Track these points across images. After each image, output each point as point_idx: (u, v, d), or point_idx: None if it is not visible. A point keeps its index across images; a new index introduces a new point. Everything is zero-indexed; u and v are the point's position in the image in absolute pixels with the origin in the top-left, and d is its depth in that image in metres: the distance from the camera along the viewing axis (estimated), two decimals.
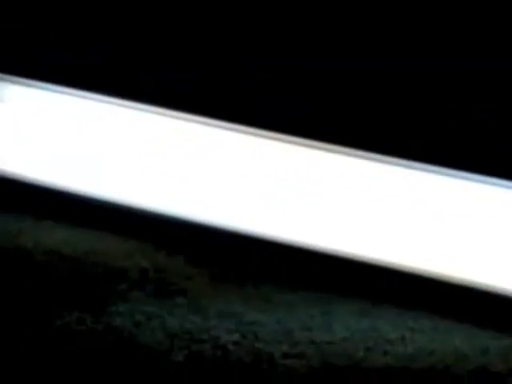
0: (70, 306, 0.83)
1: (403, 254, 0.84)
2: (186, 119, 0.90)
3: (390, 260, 0.84)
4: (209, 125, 0.89)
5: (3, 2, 0.97)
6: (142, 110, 0.89)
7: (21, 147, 0.91)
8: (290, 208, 0.86)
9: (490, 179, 0.84)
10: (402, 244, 0.84)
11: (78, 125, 0.89)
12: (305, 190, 0.86)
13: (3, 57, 0.95)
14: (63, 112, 0.90)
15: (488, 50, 0.89)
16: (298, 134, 0.91)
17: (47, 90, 0.91)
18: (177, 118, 0.90)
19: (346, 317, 0.83)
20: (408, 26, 0.91)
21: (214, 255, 0.88)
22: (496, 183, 0.83)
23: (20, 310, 0.83)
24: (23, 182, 0.90)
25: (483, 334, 0.80)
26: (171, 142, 0.89)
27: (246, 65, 0.94)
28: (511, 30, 0.89)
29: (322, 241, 0.85)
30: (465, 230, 0.83)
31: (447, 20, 0.91)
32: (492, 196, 0.84)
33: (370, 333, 0.81)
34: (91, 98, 0.90)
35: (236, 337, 0.80)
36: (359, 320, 0.83)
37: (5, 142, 0.90)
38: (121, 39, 0.97)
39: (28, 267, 0.88)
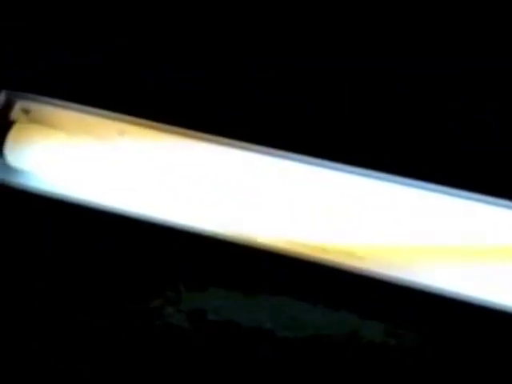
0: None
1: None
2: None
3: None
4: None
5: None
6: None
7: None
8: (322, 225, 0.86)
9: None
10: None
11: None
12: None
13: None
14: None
15: (488, 50, 0.90)
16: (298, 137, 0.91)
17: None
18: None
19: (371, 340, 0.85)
20: (408, 26, 0.92)
21: (245, 274, 0.89)
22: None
23: None
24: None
25: None
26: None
27: (246, 65, 0.95)
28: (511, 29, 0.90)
29: (350, 261, 0.85)
30: None
31: (447, 20, 0.92)
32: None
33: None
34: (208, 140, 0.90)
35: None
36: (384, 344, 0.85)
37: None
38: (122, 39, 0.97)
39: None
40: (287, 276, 0.87)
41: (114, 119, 0.91)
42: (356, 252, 0.84)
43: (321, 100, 0.92)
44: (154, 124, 0.90)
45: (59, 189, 0.92)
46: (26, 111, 0.93)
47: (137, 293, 0.90)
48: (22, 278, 0.92)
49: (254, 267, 0.88)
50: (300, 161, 0.87)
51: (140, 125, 0.91)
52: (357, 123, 0.91)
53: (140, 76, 0.96)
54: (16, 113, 0.93)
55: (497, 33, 0.90)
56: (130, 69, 0.96)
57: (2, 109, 0.93)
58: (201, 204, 0.88)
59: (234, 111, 0.93)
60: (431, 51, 0.91)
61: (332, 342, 0.85)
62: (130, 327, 0.89)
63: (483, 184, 0.85)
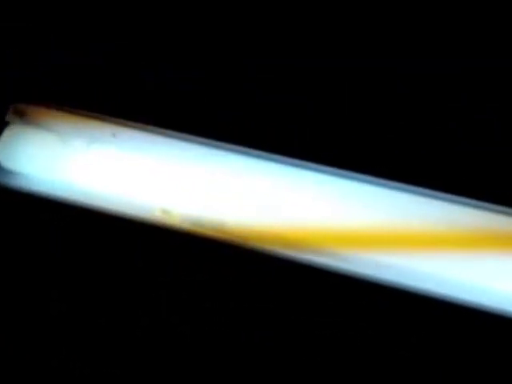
0: None
1: None
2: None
3: None
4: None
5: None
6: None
7: None
8: None
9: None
10: None
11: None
12: None
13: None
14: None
15: (488, 50, 0.90)
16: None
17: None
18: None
19: None
20: (408, 26, 0.92)
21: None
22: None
23: None
24: None
25: None
26: None
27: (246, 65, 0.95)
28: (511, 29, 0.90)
29: None
30: None
31: (447, 20, 0.91)
32: None
33: None
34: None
35: None
36: None
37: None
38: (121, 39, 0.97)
39: None
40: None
41: (108, 121, 0.92)
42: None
43: (321, 100, 0.92)
44: (146, 126, 0.91)
45: (52, 190, 0.92)
46: (20, 113, 0.93)
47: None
48: (10, 278, 0.94)
49: None
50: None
51: (132, 127, 0.91)
52: (356, 122, 0.91)
53: (140, 76, 0.96)
54: (10, 114, 0.93)
55: (497, 33, 0.90)
56: (130, 69, 0.96)
57: None
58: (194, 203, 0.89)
59: (233, 111, 0.93)
60: (431, 51, 0.91)
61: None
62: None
63: (482, 184, 0.85)
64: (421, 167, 0.88)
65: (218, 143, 0.90)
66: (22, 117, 0.93)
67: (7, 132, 0.92)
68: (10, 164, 0.92)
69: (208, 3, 0.96)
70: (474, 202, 0.84)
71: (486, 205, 0.83)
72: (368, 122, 0.91)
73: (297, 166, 0.88)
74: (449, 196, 0.84)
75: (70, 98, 0.94)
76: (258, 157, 0.88)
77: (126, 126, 0.91)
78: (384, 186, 0.86)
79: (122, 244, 0.92)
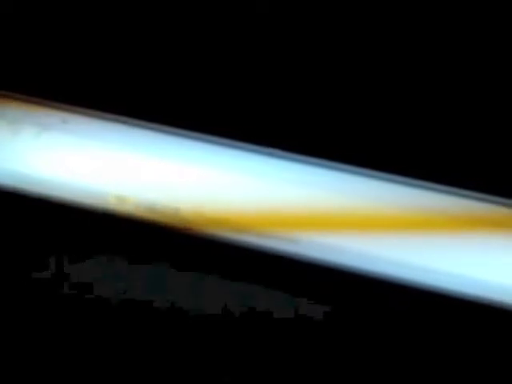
0: None
1: None
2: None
3: None
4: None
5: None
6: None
7: None
8: None
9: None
10: None
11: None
12: None
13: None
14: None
15: (488, 50, 0.90)
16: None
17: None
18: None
19: None
20: (408, 26, 0.92)
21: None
22: None
23: None
24: None
25: None
26: None
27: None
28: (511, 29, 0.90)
29: None
30: None
31: (447, 20, 0.92)
32: None
33: None
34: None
35: None
36: None
37: None
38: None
39: None
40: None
41: (58, 108, 0.90)
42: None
43: (320, 99, 0.93)
44: (98, 112, 0.89)
45: (1, 179, 0.89)
46: None
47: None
48: None
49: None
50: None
51: (84, 113, 0.89)
52: (355, 122, 0.91)
53: (140, 76, 0.96)
54: None
55: (497, 33, 0.90)
56: (130, 69, 0.97)
57: None
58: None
59: (233, 111, 0.94)
60: (431, 51, 0.91)
61: None
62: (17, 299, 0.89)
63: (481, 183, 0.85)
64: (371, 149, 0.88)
65: (171, 129, 0.88)
66: None
67: None
68: None
69: (208, 3, 0.97)
70: (425, 183, 0.81)
71: (438, 187, 0.82)
72: (367, 122, 0.91)
73: (251, 151, 0.86)
74: (400, 178, 0.82)
75: (19, 84, 0.92)
76: (212, 142, 0.87)
77: (76, 112, 0.90)
78: (334, 168, 0.85)
79: (75, 232, 0.91)
